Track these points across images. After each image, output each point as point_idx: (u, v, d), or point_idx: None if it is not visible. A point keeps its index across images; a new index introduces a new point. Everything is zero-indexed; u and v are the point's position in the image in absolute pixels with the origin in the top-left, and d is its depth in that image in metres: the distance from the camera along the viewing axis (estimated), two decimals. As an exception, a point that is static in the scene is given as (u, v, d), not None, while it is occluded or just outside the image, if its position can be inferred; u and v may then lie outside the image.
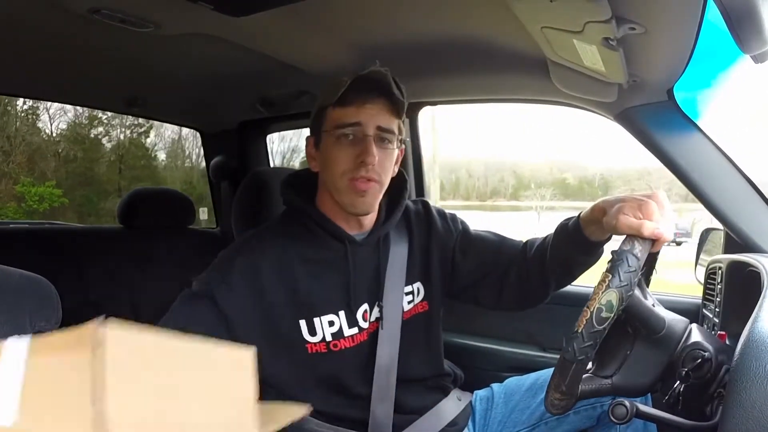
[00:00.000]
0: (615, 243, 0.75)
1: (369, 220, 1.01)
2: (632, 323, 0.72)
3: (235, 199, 1.28)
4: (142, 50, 1.26)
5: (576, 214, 0.91)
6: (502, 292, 1.03)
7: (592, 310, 0.65)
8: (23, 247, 1.61)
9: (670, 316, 0.73)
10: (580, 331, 0.66)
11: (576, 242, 0.89)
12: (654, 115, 1.11)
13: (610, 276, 0.65)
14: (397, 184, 1.03)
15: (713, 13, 0.68)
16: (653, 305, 0.74)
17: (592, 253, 0.90)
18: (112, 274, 1.69)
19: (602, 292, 0.65)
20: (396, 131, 0.95)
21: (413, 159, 1.67)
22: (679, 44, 0.85)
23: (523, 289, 1.01)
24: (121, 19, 1.03)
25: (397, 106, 0.93)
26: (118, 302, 1.68)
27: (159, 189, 1.94)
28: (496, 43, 1.10)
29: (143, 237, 1.78)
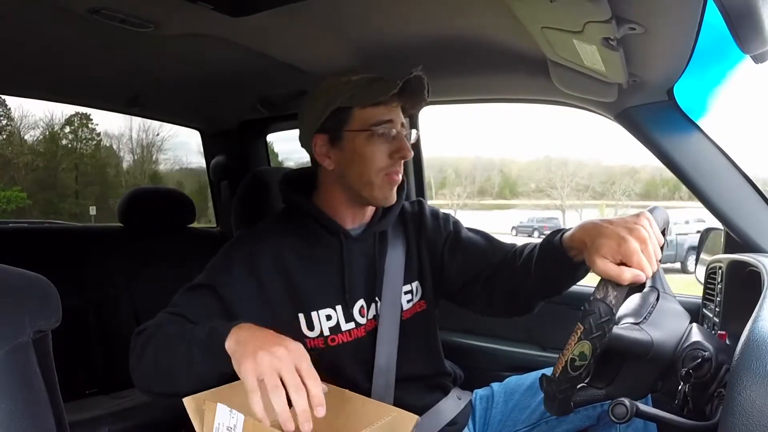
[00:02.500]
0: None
1: (368, 215, 1.02)
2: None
3: (234, 198, 1.28)
4: (142, 50, 1.26)
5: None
6: (491, 298, 1.01)
7: (566, 359, 0.65)
8: (23, 247, 1.61)
9: (657, 335, 0.72)
10: (557, 376, 0.66)
11: (560, 262, 0.85)
12: (654, 115, 1.11)
13: (582, 327, 0.64)
14: None
15: (713, 13, 0.67)
16: (646, 316, 0.74)
17: (577, 272, 0.86)
18: (112, 273, 1.69)
19: (575, 344, 0.64)
20: None
21: (413, 159, 1.68)
22: (679, 44, 0.85)
23: (509, 299, 0.99)
24: (121, 20, 1.03)
25: (417, 105, 0.98)
26: (118, 302, 1.68)
27: (158, 188, 1.94)
28: (496, 43, 1.10)
29: (143, 236, 1.78)
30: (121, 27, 1.06)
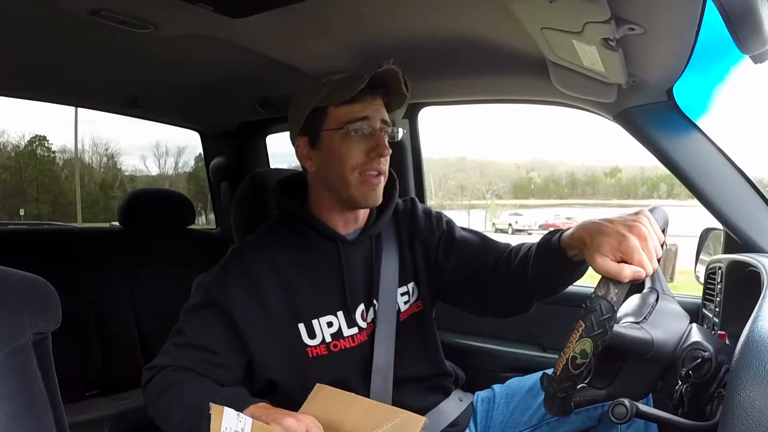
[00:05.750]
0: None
1: (362, 218, 1.01)
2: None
3: (234, 199, 1.28)
4: (142, 51, 1.26)
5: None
6: (486, 299, 1.00)
7: (567, 357, 0.65)
8: (23, 248, 1.61)
9: (658, 334, 0.72)
10: (558, 374, 0.66)
11: (558, 262, 0.84)
12: (653, 116, 1.10)
13: (584, 325, 0.64)
14: (388, 182, 1.02)
15: (712, 13, 0.68)
16: (646, 316, 0.74)
17: (576, 271, 0.85)
18: (112, 274, 1.69)
19: (576, 342, 0.64)
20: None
21: (413, 159, 1.67)
22: (679, 44, 0.85)
23: (505, 299, 0.98)
24: (121, 21, 1.04)
25: (400, 101, 0.96)
26: (118, 303, 1.68)
27: (158, 190, 1.95)
28: (496, 43, 1.10)
29: (143, 237, 1.78)
30: (120, 28, 1.06)
